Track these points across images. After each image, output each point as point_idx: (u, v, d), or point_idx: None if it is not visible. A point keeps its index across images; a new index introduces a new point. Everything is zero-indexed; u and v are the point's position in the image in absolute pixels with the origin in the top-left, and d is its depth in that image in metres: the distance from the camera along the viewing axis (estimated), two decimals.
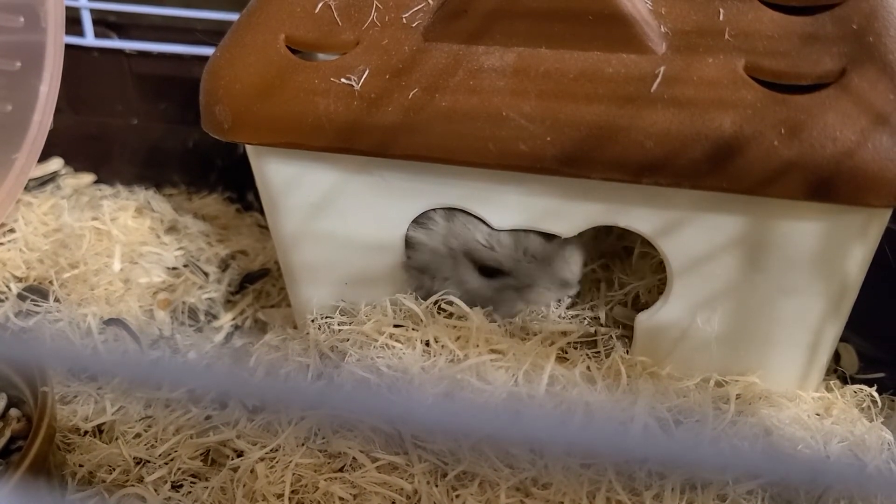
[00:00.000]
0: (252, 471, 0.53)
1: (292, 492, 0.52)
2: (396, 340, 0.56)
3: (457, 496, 0.51)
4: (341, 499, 0.51)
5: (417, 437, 0.53)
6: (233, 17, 0.57)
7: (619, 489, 0.48)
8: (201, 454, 0.57)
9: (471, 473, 0.51)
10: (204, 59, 0.56)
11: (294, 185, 0.57)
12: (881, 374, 0.62)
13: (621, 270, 0.65)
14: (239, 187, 0.87)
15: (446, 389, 0.48)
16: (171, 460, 0.57)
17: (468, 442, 0.49)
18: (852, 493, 0.42)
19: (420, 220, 0.58)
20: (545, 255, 0.58)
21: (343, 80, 0.51)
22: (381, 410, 0.20)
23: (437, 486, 0.51)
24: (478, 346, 0.55)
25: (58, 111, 0.72)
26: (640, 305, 0.62)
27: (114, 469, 0.57)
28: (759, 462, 0.20)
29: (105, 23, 0.84)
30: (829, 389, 0.57)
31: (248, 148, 0.57)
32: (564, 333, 0.59)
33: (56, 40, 0.70)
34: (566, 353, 0.57)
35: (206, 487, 0.54)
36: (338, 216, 0.58)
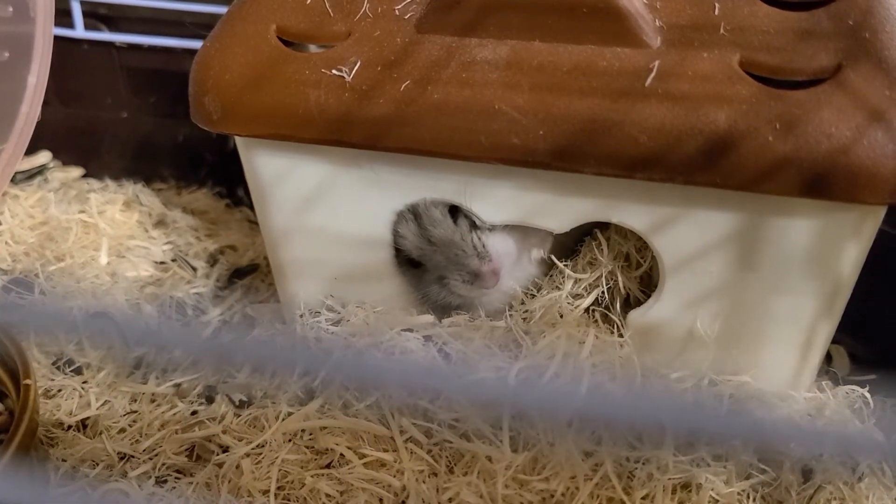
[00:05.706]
0: (237, 466, 0.52)
1: (278, 488, 0.51)
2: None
3: (447, 490, 0.50)
4: (328, 495, 0.51)
5: (406, 431, 0.52)
6: (223, 10, 0.57)
7: (616, 483, 0.48)
8: (186, 449, 0.56)
9: (465, 464, 0.50)
10: (194, 52, 0.55)
11: (284, 177, 0.56)
12: (872, 377, 0.62)
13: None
14: (229, 182, 0.86)
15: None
16: (156, 455, 0.56)
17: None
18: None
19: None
20: (450, 245, 0.56)
21: (334, 71, 0.51)
22: (386, 375, 0.20)
23: (425, 482, 0.51)
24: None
25: (47, 104, 0.71)
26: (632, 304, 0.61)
27: (97, 464, 0.56)
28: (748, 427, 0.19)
29: (95, 15, 0.84)
30: (821, 390, 0.57)
31: (238, 140, 0.56)
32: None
33: (45, 31, 0.69)
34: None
35: (191, 483, 0.53)
36: (328, 210, 0.57)
